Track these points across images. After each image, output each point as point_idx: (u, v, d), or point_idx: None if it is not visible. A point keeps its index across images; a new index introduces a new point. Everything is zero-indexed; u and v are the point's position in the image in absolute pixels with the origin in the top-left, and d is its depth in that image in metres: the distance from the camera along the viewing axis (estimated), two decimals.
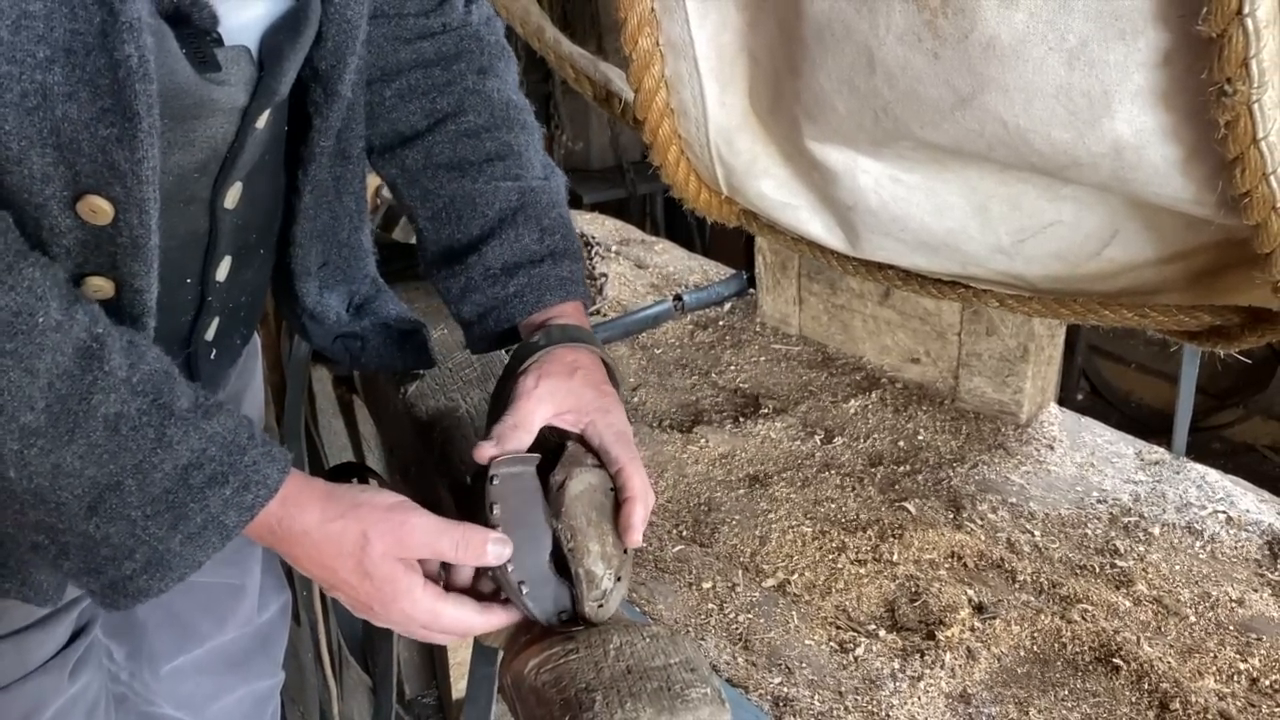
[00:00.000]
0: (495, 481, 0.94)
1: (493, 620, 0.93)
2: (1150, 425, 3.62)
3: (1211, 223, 0.95)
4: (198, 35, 0.83)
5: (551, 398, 1.01)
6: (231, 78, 0.88)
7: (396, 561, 0.88)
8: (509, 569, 0.92)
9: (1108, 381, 4.31)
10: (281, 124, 1.01)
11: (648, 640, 0.91)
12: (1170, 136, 0.89)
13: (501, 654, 0.99)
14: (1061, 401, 1.66)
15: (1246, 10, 0.76)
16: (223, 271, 1.02)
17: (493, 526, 0.92)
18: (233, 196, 0.96)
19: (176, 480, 0.81)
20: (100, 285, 0.85)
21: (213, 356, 1.10)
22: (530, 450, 0.99)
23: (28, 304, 0.76)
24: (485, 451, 0.96)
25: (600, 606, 0.94)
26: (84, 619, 1.15)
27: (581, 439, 1.02)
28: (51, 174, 0.78)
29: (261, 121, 0.94)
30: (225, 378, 1.23)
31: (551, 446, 1.01)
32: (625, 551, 0.97)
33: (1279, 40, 0.78)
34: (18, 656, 1.07)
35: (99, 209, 0.81)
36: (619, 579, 0.95)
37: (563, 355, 1.03)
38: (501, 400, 1.04)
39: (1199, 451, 2.51)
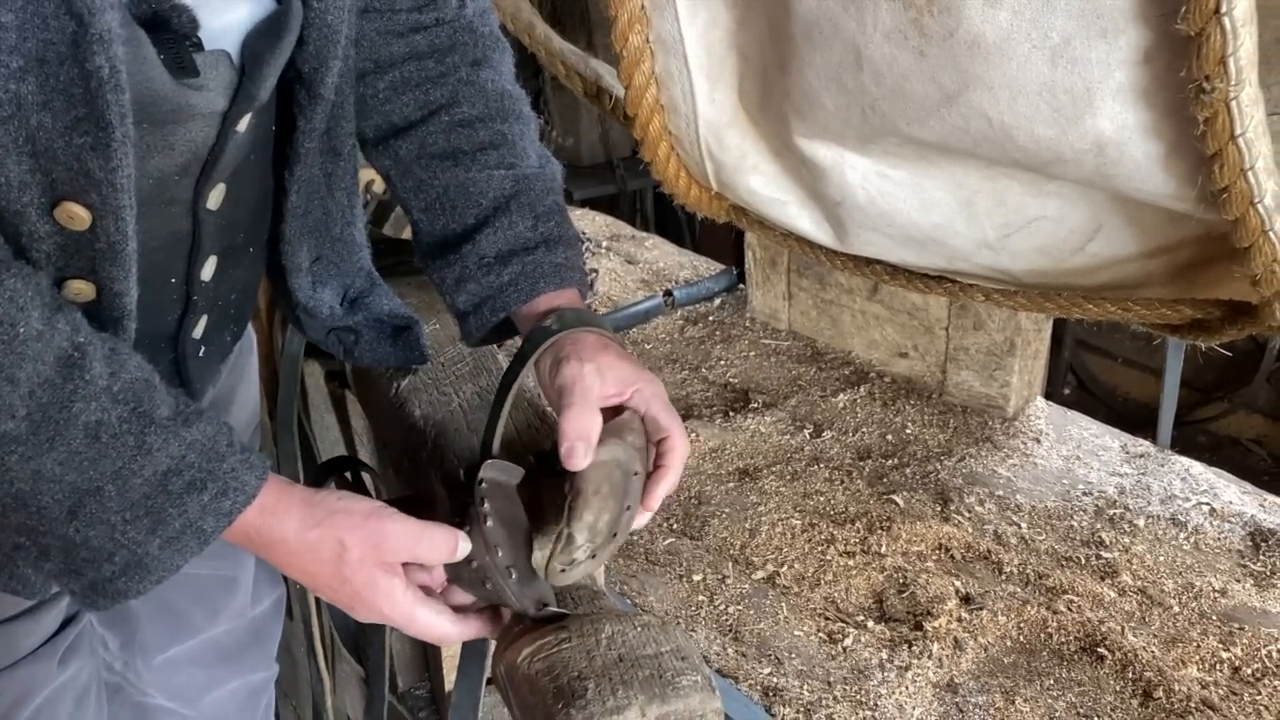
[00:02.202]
0: (483, 485, 0.96)
1: (466, 630, 0.95)
2: (1136, 419, 3.64)
3: (1192, 217, 0.96)
4: (177, 40, 0.83)
5: (599, 375, 0.99)
6: (210, 83, 0.88)
7: (375, 566, 0.89)
8: (499, 554, 0.93)
9: (1094, 376, 4.33)
10: (267, 126, 1.01)
11: (639, 629, 0.92)
12: (1151, 133, 0.90)
13: (493, 644, 1.00)
14: (1048, 395, 1.68)
15: (1224, 9, 0.77)
16: (208, 271, 1.02)
17: (483, 519, 0.94)
18: (215, 198, 0.97)
19: (155, 486, 0.82)
20: (81, 289, 0.86)
21: (201, 354, 1.11)
22: (530, 461, 1.01)
23: (9, 314, 0.77)
24: (578, 460, 0.94)
25: (563, 571, 0.94)
26: (74, 607, 1.16)
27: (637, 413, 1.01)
28: (28, 181, 0.79)
29: (242, 125, 0.94)
30: (216, 374, 1.23)
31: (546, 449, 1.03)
32: (614, 536, 0.98)
33: (1255, 38, 0.79)
34: (7, 644, 1.08)
35: (76, 215, 0.82)
36: (593, 556, 0.96)
37: (585, 336, 1.02)
38: (508, 386, 1.03)
39: (1184, 445, 2.53)
